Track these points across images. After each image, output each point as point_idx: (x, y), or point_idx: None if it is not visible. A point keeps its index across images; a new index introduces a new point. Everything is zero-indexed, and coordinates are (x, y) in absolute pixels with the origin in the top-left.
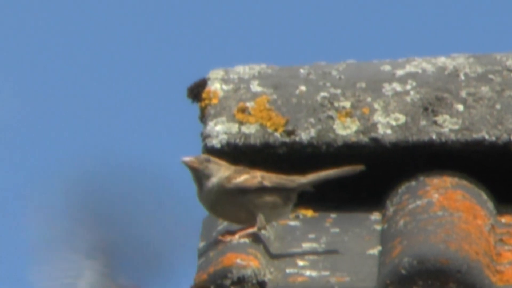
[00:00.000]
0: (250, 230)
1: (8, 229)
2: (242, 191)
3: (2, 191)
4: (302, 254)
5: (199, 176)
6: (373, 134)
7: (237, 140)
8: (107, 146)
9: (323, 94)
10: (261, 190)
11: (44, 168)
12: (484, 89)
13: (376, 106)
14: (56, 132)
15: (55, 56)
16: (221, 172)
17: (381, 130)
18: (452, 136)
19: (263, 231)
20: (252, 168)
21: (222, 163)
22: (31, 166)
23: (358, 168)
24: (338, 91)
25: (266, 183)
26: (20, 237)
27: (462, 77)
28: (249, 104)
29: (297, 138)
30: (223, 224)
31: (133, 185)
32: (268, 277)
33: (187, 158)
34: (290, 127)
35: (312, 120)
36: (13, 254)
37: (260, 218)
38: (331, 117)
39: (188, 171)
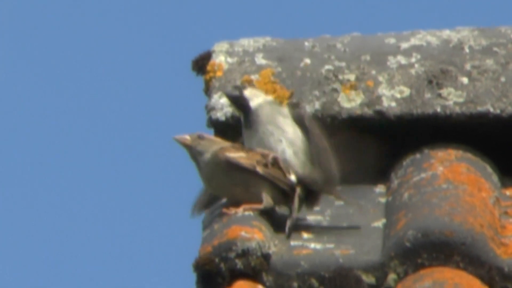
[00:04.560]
0: (256, 206)
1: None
2: (235, 167)
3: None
4: (306, 227)
5: (193, 153)
6: (377, 107)
7: None
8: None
9: (327, 67)
10: (254, 174)
11: None
12: (489, 62)
13: (380, 79)
14: (60, 110)
15: (59, 28)
16: (214, 147)
17: (385, 103)
18: (457, 109)
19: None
20: (253, 151)
21: (217, 140)
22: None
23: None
24: (343, 64)
25: (259, 169)
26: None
27: (467, 50)
28: (254, 77)
29: (301, 111)
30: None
31: None
32: (272, 249)
33: (178, 136)
34: (294, 100)
35: (316, 92)
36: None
37: (266, 197)
38: (335, 90)
39: (183, 150)
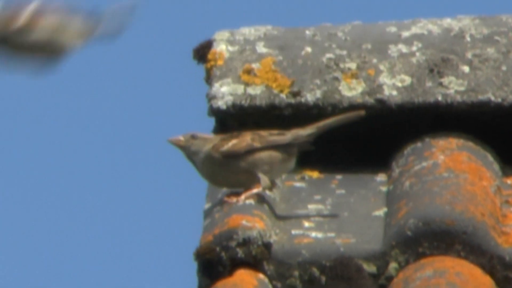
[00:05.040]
0: (255, 190)
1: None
2: (233, 156)
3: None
4: (307, 216)
5: (188, 154)
6: (378, 96)
7: (243, 102)
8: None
9: (328, 55)
10: (253, 150)
11: None
12: (490, 51)
13: (381, 67)
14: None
15: None
16: (207, 146)
17: (386, 92)
18: (458, 98)
19: (268, 192)
20: (243, 131)
21: (210, 136)
22: None
23: (359, 113)
24: (344, 52)
25: (256, 144)
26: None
27: (468, 39)
28: (255, 66)
29: (302, 100)
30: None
31: None
32: (273, 238)
33: (172, 138)
34: (295, 89)
35: (317, 81)
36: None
37: (263, 177)
38: (336, 79)
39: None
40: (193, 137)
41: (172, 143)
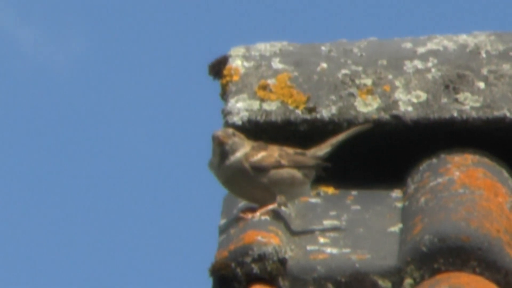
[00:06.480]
0: (271, 207)
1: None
2: (260, 170)
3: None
4: (323, 231)
5: (224, 150)
6: (394, 112)
7: (258, 117)
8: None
9: (344, 71)
10: (278, 167)
11: None
12: (506, 67)
13: (397, 83)
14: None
15: (79, 34)
16: (244, 147)
17: (402, 108)
18: (473, 114)
19: (283, 208)
20: (270, 144)
21: (242, 136)
22: None
23: (366, 126)
24: (360, 68)
25: (284, 162)
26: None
27: (484, 55)
28: (270, 81)
29: (318, 115)
30: (243, 201)
31: None
32: (289, 254)
33: (218, 133)
34: (311, 104)
35: (333, 97)
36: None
37: (280, 197)
38: (352, 94)
39: (209, 144)
40: (233, 134)
41: (217, 139)
